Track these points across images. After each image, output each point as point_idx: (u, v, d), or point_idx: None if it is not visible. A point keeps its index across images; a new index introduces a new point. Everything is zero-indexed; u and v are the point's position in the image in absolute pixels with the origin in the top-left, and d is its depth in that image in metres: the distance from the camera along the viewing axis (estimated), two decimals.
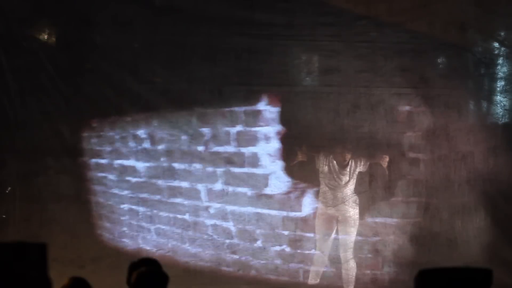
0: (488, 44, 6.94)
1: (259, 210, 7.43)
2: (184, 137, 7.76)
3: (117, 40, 7.24)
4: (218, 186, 7.64)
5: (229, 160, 7.48)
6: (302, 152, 6.91)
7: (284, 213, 7.29)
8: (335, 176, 6.73)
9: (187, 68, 7.02)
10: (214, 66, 6.88)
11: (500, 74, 6.87)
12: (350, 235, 6.75)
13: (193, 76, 7.07)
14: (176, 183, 7.93)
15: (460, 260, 6.35)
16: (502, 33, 6.90)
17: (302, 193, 7.25)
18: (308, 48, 7.02)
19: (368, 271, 6.85)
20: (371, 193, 6.80)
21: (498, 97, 6.87)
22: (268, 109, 7.29)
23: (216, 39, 6.78)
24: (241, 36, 6.74)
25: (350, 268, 6.75)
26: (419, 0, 6.68)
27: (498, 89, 6.87)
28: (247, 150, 7.37)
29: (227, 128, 7.44)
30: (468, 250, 6.65)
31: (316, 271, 6.91)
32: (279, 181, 7.38)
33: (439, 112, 6.80)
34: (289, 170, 7.36)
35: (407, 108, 6.88)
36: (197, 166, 7.71)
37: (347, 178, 6.70)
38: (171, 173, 7.98)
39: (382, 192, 6.83)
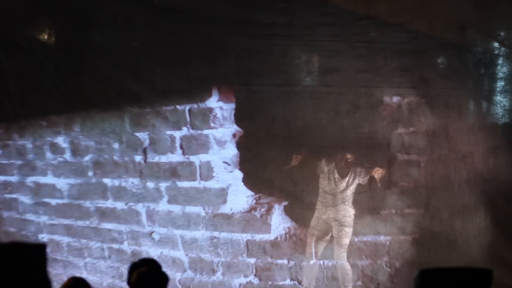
0: (488, 44, 6.94)
1: (216, 234, 6.46)
2: (116, 145, 6.77)
3: (117, 40, 7.19)
4: (163, 205, 6.58)
5: (175, 172, 6.51)
6: (299, 157, 6.38)
7: (248, 236, 6.39)
8: (333, 182, 6.66)
9: (187, 68, 6.98)
10: (214, 66, 6.85)
11: (500, 74, 6.87)
12: (345, 237, 6.65)
13: (193, 76, 6.97)
14: (108, 204, 6.82)
15: (460, 260, 6.33)
16: (502, 33, 6.90)
17: (269, 209, 6.44)
18: (308, 48, 7.00)
19: (368, 272, 6.83)
20: (371, 193, 6.79)
21: (498, 97, 6.87)
22: (220, 106, 6.43)
23: (216, 39, 6.74)
24: (241, 36, 6.70)
25: (346, 270, 6.69)
26: (419, 0, 6.68)
27: (498, 89, 6.87)
28: (197, 159, 6.44)
29: (170, 132, 6.53)
30: (468, 250, 6.63)
31: (308, 280, 6.72)
32: (239, 196, 6.46)
33: (439, 112, 6.80)
34: (249, 181, 6.38)
35: (407, 107, 6.89)
36: (135, 181, 6.69)
37: (345, 185, 6.64)
38: (102, 192, 6.85)
39: (382, 192, 6.80)
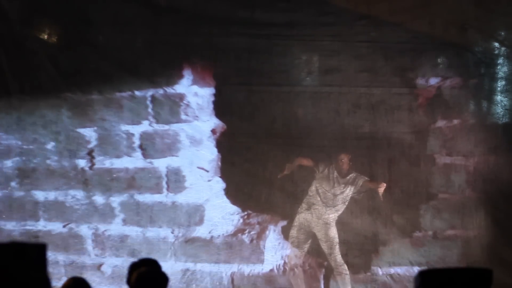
0: (488, 44, 6.97)
1: (190, 265, 5.17)
2: (51, 145, 5.39)
3: (117, 40, 7.17)
4: (116, 227, 5.14)
5: (133, 182, 5.17)
6: (291, 165, 6.01)
7: (234, 268, 5.19)
8: (332, 183, 6.59)
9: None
10: (214, 66, 6.86)
11: (500, 74, 6.90)
12: (333, 238, 6.58)
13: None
14: (40, 226, 5.31)
15: (460, 260, 6.33)
16: (502, 33, 6.92)
17: (262, 231, 5.30)
18: (308, 48, 7.02)
19: (368, 271, 6.84)
20: (371, 192, 6.79)
21: (499, 97, 6.89)
22: (194, 92, 5.29)
23: (216, 39, 6.74)
24: (241, 36, 6.71)
25: (343, 270, 6.66)
26: (420, 0, 6.71)
27: (499, 89, 6.89)
28: (163, 164, 5.15)
29: (126, 127, 5.25)
30: (468, 250, 6.64)
31: None
32: (220, 214, 5.26)
33: (439, 112, 6.82)
34: (231, 194, 5.21)
35: (407, 108, 6.90)
36: (77, 194, 5.23)
37: (342, 187, 6.60)
38: (31, 209, 5.35)
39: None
